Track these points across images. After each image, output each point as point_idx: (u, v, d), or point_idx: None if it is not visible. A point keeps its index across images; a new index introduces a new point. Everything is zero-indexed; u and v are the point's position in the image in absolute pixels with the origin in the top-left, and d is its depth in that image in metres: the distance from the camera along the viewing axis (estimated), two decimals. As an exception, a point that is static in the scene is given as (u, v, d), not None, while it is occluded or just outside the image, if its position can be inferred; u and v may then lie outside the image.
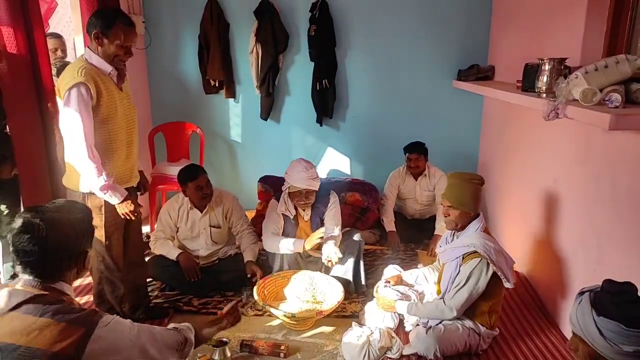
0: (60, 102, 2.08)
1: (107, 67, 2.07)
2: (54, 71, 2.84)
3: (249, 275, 2.84)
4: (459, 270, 2.25)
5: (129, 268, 2.43)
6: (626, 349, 1.20)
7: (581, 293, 1.33)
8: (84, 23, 3.24)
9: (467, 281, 2.20)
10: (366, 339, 2.25)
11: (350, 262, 2.88)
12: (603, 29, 2.27)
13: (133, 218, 2.21)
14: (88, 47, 2.09)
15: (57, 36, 3.32)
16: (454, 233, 2.40)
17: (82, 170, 2.05)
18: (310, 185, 2.81)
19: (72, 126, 1.99)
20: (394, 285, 2.56)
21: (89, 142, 2.00)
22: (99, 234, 2.17)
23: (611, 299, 1.25)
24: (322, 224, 2.95)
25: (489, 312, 2.30)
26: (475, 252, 2.20)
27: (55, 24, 4.51)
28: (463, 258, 2.24)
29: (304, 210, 2.95)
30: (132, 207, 2.14)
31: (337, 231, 2.91)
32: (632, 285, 1.28)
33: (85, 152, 1.99)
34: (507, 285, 2.22)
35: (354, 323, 2.42)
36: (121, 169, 2.21)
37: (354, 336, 2.29)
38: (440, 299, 2.31)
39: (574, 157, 2.42)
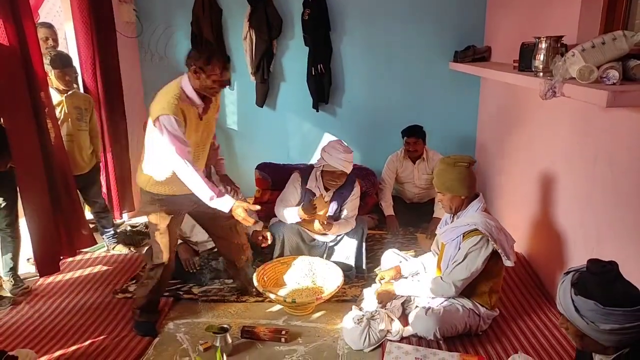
0: (149, 124, 2.24)
1: (197, 101, 2.22)
2: (46, 60, 2.80)
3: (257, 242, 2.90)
4: (459, 248, 2.26)
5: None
6: (602, 327, 1.23)
7: (567, 273, 1.36)
8: (73, 12, 3.21)
9: (464, 257, 2.21)
10: (366, 323, 2.26)
11: (353, 247, 2.89)
12: (600, 5, 2.24)
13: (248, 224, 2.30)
14: (187, 75, 2.22)
15: (48, 26, 3.28)
16: (453, 215, 2.40)
17: (190, 187, 2.20)
18: (346, 167, 2.84)
19: (168, 151, 2.14)
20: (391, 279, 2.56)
21: (188, 160, 2.15)
22: (161, 227, 2.32)
23: (593, 278, 1.28)
24: (339, 209, 2.97)
25: (489, 292, 2.31)
26: (475, 229, 2.20)
27: (45, 14, 4.45)
28: (463, 236, 2.25)
29: (327, 190, 2.97)
30: (243, 215, 2.23)
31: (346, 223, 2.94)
32: (614, 263, 1.30)
33: (187, 171, 2.16)
34: (507, 263, 2.22)
35: (354, 307, 2.43)
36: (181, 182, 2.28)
37: (354, 320, 2.30)
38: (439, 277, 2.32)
39: (572, 137, 2.41)
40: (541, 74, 2.11)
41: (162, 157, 2.22)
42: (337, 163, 2.81)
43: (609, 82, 1.69)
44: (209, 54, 2.18)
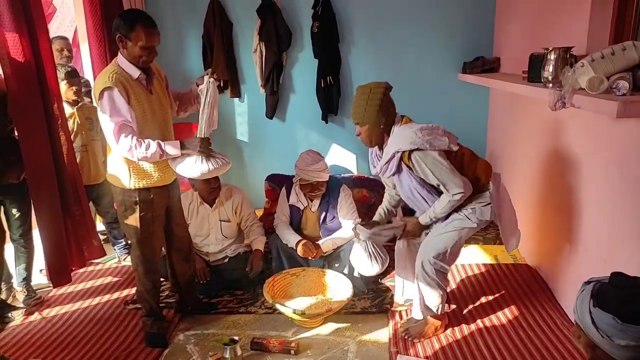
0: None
1: (135, 72, 2.10)
2: (62, 74, 2.86)
3: (247, 269, 2.87)
4: (414, 177, 2.22)
5: (175, 263, 2.57)
6: (618, 342, 1.19)
7: (587, 282, 1.33)
8: (88, 29, 3.26)
9: (431, 170, 2.15)
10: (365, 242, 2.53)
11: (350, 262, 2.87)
12: (609, 15, 2.23)
13: None
14: (119, 51, 2.12)
15: (63, 38, 3.36)
16: (380, 149, 2.34)
17: (142, 157, 2.09)
18: (319, 177, 2.85)
19: (107, 128, 2.06)
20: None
21: (135, 134, 2.06)
22: (134, 228, 2.26)
23: (614, 291, 1.24)
24: (328, 217, 2.97)
25: (478, 175, 2.28)
26: (405, 151, 2.15)
27: (55, 29, 4.53)
28: (405, 165, 2.19)
29: (312, 200, 2.99)
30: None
31: (344, 232, 2.94)
32: (639, 279, 1.26)
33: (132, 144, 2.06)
34: (451, 147, 2.15)
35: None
36: (155, 168, 2.23)
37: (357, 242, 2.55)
38: (423, 212, 2.34)
39: (582, 147, 2.39)
40: (550, 84, 2.11)
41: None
42: (309, 175, 2.84)
43: (619, 92, 1.68)
44: (130, 19, 2.01)
